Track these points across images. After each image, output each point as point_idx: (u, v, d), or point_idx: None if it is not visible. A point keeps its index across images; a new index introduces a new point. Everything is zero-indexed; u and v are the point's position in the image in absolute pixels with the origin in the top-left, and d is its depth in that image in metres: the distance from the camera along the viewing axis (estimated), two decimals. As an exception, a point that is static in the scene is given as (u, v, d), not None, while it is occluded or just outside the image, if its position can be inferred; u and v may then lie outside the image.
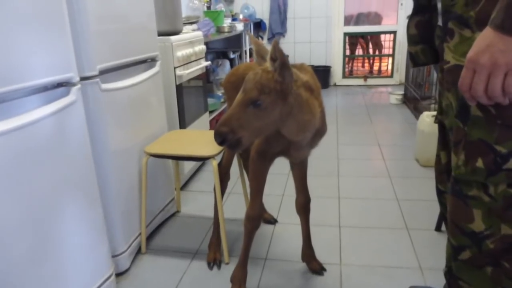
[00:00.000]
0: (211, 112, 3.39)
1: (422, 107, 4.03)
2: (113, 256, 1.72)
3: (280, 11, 5.65)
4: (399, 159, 3.04)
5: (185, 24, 3.10)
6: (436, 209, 2.19)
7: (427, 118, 2.83)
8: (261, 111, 1.14)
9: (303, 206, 1.69)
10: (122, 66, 1.78)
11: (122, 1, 1.74)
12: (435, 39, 1.25)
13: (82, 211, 1.45)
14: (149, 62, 2.03)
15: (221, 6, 4.62)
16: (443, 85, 1.20)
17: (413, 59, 1.33)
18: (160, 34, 2.32)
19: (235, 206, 2.36)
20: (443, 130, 1.40)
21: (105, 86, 1.60)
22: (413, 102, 4.36)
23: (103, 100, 1.60)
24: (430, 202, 2.32)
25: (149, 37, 1.99)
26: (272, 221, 2.16)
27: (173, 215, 2.28)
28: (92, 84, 1.54)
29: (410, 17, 1.28)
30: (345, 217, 2.21)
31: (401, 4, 5.54)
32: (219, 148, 1.79)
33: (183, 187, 2.62)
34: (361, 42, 6.42)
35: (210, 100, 3.52)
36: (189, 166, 2.62)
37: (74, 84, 1.38)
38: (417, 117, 3.99)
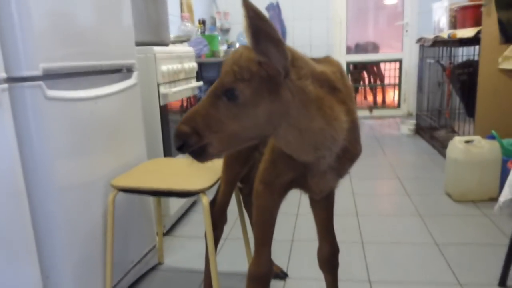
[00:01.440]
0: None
1: (441, 137, 3.62)
2: (60, 334, 1.21)
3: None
4: (426, 194, 2.57)
5: (174, 43, 2.71)
6: (491, 255, 1.71)
7: (460, 144, 2.38)
8: (237, 107, 0.79)
9: (329, 259, 1.21)
10: (83, 73, 1.34)
11: (84, -12, 1.33)
12: None
13: (5, 274, 0.97)
14: (124, 72, 1.60)
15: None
16: None
17: (504, 31, 0.93)
18: (142, 44, 1.91)
19: (233, 256, 1.86)
20: None
21: (53, 93, 1.15)
22: (428, 131, 3.95)
23: (49, 112, 1.15)
24: (480, 247, 1.85)
25: (122, 40, 1.56)
26: (281, 275, 1.66)
27: (153, 268, 1.77)
28: (31, 89, 1.09)
29: None
30: (374, 269, 1.71)
31: (406, 31, 5.25)
32: (213, 179, 1.33)
33: (168, 232, 2.11)
34: (363, 76, 6.12)
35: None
36: (175, 206, 2.13)
37: (-6, 82, 0.94)
38: (435, 147, 3.57)
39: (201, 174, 1.38)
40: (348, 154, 0.94)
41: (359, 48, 5.86)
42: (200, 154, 0.83)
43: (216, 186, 1.38)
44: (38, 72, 1.10)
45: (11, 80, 1.05)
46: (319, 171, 0.95)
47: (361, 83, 6.17)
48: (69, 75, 1.27)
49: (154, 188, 1.32)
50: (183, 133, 0.81)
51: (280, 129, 0.83)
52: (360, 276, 1.67)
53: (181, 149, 0.82)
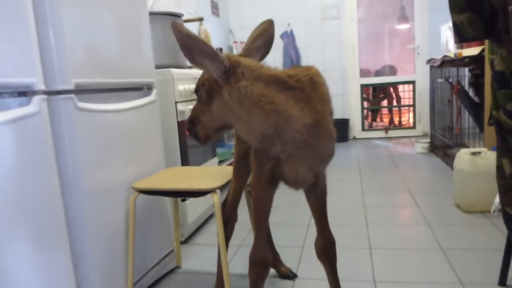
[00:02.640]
0: (221, 162, 3.10)
1: (454, 154, 3.66)
2: (87, 320, 1.35)
3: (293, 65, 5.54)
4: (436, 206, 2.63)
5: (191, 67, 2.92)
6: (494, 259, 1.77)
7: (466, 156, 2.46)
8: (202, 104, 1.16)
9: (324, 250, 1.31)
10: (110, 89, 1.53)
11: (109, 16, 1.54)
12: (484, 4, 0.98)
13: (41, 259, 1.12)
14: (145, 90, 1.79)
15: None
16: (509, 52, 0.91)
17: (459, 32, 1.06)
18: (162, 67, 2.11)
19: (247, 260, 1.97)
20: (501, 131, 1.09)
21: (83, 104, 1.34)
22: (442, 149, 4.01)
23: (79, 122, 1.33)
24: (485, 252, 1.91)
25: (143, 62, 1.76)
26: (291, 275, 1.76)
27: (171, 271, 1.90)
28: (65, 100, 1.28)
29: None
30: (380, 271, 1.79)
31: (418, 54, 5.38)
32: (223, 181, 1.47)
33: (187, 240, 2.25)
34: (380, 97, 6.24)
35: (219, 150, 3.25)
36: (193, 216, 2.27)
37: (36, 93, 1.12)
38: (448, 164, 3.62)
39: (213, 177, 1.52)
40: (313, 149, 1.07)
41: (378, 72, 6.03)
42: (195, 136, 1.22)
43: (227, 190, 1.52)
44: (71, 86, 1.29)
45: (48, 92, 1.23)
46: (285, 160, 1.08)
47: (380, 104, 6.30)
48: (97, 90, 1.45)
49: (170, 188, 1.47)
50: (188, 122, 1.22)
51: (232, 120, 1.10)
52: (365, 276, 1.75)
53: (189, 131, 1.22)
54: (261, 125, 1.03)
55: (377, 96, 6.31)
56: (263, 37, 1.24)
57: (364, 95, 5.81)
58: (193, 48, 1.01)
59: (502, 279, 1.61)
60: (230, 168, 1.54)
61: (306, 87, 1.04)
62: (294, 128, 1.02)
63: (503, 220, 1.25)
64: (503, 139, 1.11)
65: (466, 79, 3.61)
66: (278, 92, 1.03)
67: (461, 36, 1.06)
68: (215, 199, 1.40)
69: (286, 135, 1.02)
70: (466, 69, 3.61)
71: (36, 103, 1.11)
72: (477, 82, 3.26)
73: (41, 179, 1.16)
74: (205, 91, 1.12)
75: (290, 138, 1.03)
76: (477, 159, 2.42)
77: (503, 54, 1.06)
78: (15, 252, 1.06)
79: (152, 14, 2.03)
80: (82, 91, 1.36)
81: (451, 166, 3.50)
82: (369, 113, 6.34)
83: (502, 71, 1.09)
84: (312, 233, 2.24)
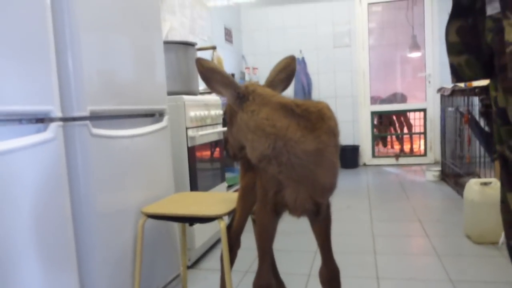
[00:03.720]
0: (230, 186, 3.13)
1: (466, 183, 3.63)
2: None
3: (304, 92, 5.60)
4: (446, 236, 2.61)
5: (203, 94, 2.99)
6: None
7: (475, 186, 2.45)
8: (227, 126, 1.30)
9: (328, 280, 1.31)
10: (122, 115, 1.59)
11: (124, 45, 1.61)
12: (482, 47, 1.01)
13: (50, 280, 1.15)
14: (157, 116, 1.84)
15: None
16: (504, 91, 0.94)
17: (456, 73, 1.09)
18: (174, 93, 2.18)
19: (252, 287, 1.97)
20: (506, 166, 1.10)
21: (97, 131, 1.39)
22: (453, 178, 3.97)
23: (93, 147, 1.38)
24: (494, 285, 1.88)
25: (156, 89, 1.82)
26: (296, 303, 1.76)
27: (177, 296, 1.91)
28: (80, 127, 1.33)
29: (449, 22, 1.07)
30: (387, 301, 1.78)
31: (429, 82, 5.41)
32: (229, 208, 1.50)
33: (194, 265, 2.26)
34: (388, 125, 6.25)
35: (228, 174, 3.28)
36: (201, 241, 2.28)
37: (53, 120, 1.17)
38: (459, 193, 3.58)
39: (221, 203, 1.55)
40: (313, 177, 1.09)
41: (388, 100, 6.06)
42: (227, 153, 1.36)
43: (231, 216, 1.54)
44: (86, 113, 1.35)
45: (64, 119, 1.29)
46: (285, 182, 1.12)
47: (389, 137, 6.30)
48: (111, 116, 1.51)
49: (178, 214, 1.50)
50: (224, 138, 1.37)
51: (243, 141, 1.19)
52: (372, 307, 1.74)
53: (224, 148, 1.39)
54: (261, 145, 1.10)
55: (384, 124, 6.31)
56: (286, 71, 1.34)
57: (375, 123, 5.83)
58: (212, 79, 1.17)
59: (512, 314, 1.58)
60: (235, 195, 1.57)
61: (313, 118, 1.08)
62: (292, 152, 1.06)
63: (508, 253, 1.25)
64: (508, 173, 1.12)
65: (477, 108, 3.62)
66: (283, 117, 1.08)
67: (458, 77, 1.10)
68: (222, 226, 1.43)
69: (283, 157, 1.07)
70: (476, 98, 3.62)
71: (53, 130, 1.17)
72: (487, 112, 3.26)
73: (54, 202, 1.20)
74: (228, 115, 1.26)
75: (287, 161, 1.07)
76: (487, 189, 2.41)
77: (501, 97, 1.08)
78: (26, 268, 1.09)
79: (166, 43, 2.11)
80: (96, 117, 1.41)
81: (462, 195, 3.47)
82: (380, 140, 6.35)
83: (503, 107, 1.11)
84: (319, 260, 2.23)
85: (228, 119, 1.28)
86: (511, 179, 1.10)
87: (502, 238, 1.65)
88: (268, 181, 1.17)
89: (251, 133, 1.13)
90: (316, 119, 1.08)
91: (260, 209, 1.22)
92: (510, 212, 1.08)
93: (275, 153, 1.08)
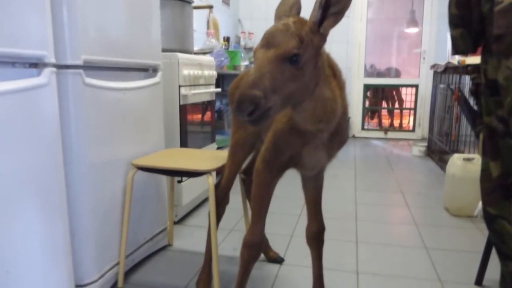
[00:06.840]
0: (219, 148, 3.16)
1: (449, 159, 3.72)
2: (79, 286, 1.41)
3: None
4: (425, 208, 2.70)
5: (197, 54, 2.97)
6: (474, 260, 1.83)
7: (458, 160, 2.52)
8: (297, 70, 0.89)
9: (315, 236, 1.38)
10: (116, 67, 1.58)
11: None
12: (473, 22, 1.05)
13: (40, 223, 1.18)
14: (150, 72, 1.84)
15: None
16: (497, 56, 0.97)
17: (454, 44, 1.13)
18: (168, 50, 2.16)
19: (237, 244, 2.04)
20: (492, 136, 1.15)
21: (90, 80, 1.40)
22: (438, 154, 4.06)
23: (86, 96, 1.38)
24: (467, 253, 1.98)
25: (150, 44, 1.81)
26: (279, 259, 1.83)
27: (163, 248, 1.97)
28: (73, 75, 1.33)
29: None
30: (364, 263, 1.86)
31: (424, 58, 5.42)
32: (218, 164, 1.53)
33: (180, 221, 2.32)
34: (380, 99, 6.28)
35: (219, 137, 3.31)
36: (188, 198, 2.33)
37: (47, 65, 1.17)
38: (443, 168, 3.68)
39: (210, 160, 1.59)
40: (338, 136, 1.13)
41: (381, 73, 6.06)
42: (263, 118, 0.88)
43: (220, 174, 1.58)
44: (79, 62, 1.34)
45: (58, 66, 1.28)
46: (314, 147, 1.12)
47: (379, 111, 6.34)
48: (104, 68, 1.51)
49: (168, 167, 1.53)
50: (257, 97, 0.84)
51: (310, 96, 0.96)
52: (349, 267, 1.82)
53: (252, 114, 0.85)
54: (325, 106, 1.01)
55: (377, 97, 6.33)
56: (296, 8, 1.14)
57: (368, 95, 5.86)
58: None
59: (479, 279, 1.68)
60: (226, 153, 1.60)
61: (341, 79, 1.09)
62: (339, 114, 1.06)
63: (484, 220, 1.32)
64: (494, 143, 1.17)
65: (467, 86, 3.66)
66: (331, 76, 1.05)
67: (456, 49, 1.14)
68: (210, 181, 1.47)
69: (334, 120, 1.05)
70: (468, 77, 3.65)
71: (46, 75, 1.17)
72: (477, 91, 3.30)
73: (46, 148, 1.22)
74: (308, 55, 0.91)
75: (334, 126, 1.07)
76: (469, 165, 2.48)
77: (494, 64, 1.12)
78: (17, 212, 1.12)
79: (162, -2, 2.07)
80: (90, 67, 1.41)
81: (445, 171, 3.57)
82: (368, 112, 6.38)
83: (494, 79, 1.15)
84: (302, 223, 2.31)
85: (305, 61, 0.90)
86: (496, 148, 1.15)
87: (477, 210, 1.73)
88: (287, 143, 1.12)
89: (326, 88, 1.00)
90: (339, 76, 1.09)
91: (264, 169, 1.19)
92: (491, 180, 1.14)
93: (331, 116, 1.04)
